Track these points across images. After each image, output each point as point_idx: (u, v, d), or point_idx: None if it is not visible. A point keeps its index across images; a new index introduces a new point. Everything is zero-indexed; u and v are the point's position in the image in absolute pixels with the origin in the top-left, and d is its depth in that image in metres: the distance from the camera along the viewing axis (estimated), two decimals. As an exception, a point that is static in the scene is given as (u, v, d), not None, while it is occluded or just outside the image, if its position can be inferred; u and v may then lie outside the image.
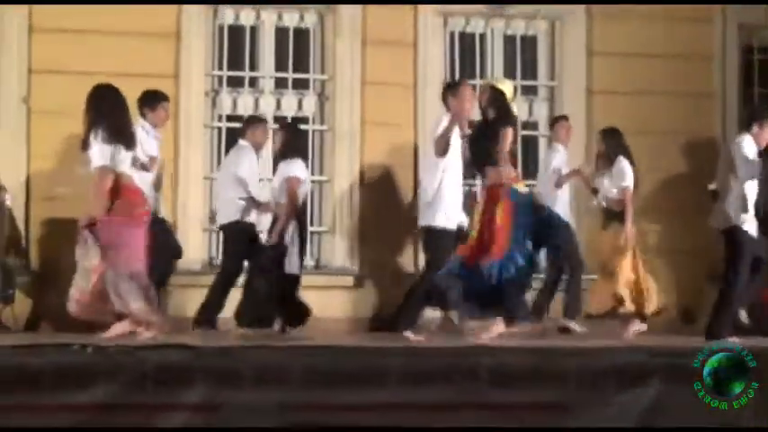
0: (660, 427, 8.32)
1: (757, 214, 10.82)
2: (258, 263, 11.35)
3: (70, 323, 10.92)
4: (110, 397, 7.67)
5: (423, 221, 11.00)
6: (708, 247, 12.60)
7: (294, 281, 11.34)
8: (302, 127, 12.75)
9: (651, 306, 11.59)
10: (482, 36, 13.48)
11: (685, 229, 12.77)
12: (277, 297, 11.18)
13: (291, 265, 11.18)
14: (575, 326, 11.90)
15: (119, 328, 9.47)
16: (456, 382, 8.12)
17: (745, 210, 10.77)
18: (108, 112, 9.52)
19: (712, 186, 11.38)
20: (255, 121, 11.94)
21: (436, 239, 10.82)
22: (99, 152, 9.37)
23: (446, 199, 10.78)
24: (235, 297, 11.45)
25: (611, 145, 11.85)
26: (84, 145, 9.47)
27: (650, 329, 11.66)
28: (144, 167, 9.86)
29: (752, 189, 10.73)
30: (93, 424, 7.61)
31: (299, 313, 11.31)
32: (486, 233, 10.03)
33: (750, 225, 10.77)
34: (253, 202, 11.39)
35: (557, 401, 8.18)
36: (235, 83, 13.05)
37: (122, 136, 9.50)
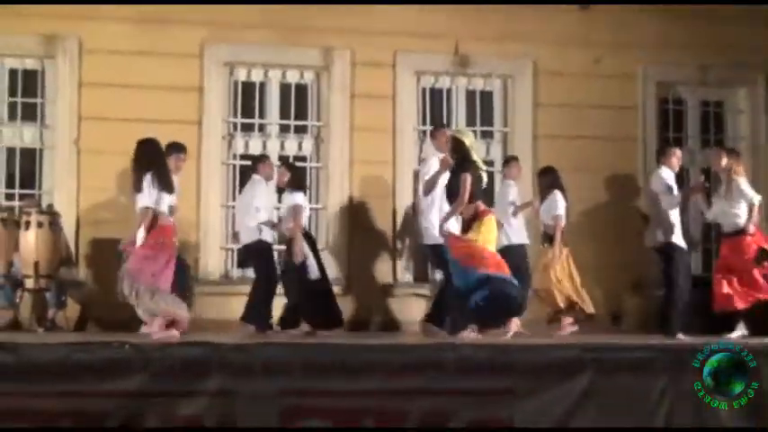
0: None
1: (684, 233, 10.94)
2: (284, 276, 11.36)
3: (111, 325, 11.00)
4: (143, 384, 7.68)
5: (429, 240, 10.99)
6: (630, 262, 12.68)
7: (319, 285, 11.29)
8: (301, 164, 12.80)
9: (587, 310, 11.67)
10: (448, 91, 13.48)
11: (613, 247, 12.81)
12: (304, 303, 11.18)
13: (312, 272, 11.23)
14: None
15: (159, 333, 9.46)
16: (427, 371, 8.14)
17: (672, 228, 10.85)
18: (155, 163, 9.64)
19: (644, 211, 11.50)
20: (264, 158, 11.97)
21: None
22: (147, 195, 9.49)
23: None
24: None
25: (547, 181, 11.92)
26: (137, 187, 9.58)
27: (590, 329, 11.70)
28: (171, 211, 9.90)
29: (676, 212, 10.83)
30: (129, 407, 7.64)
31: (328, 318, 11.28)
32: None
33: (679, 240, 10.85)
34: (269, 224, 11.40)
35: (508, 388, 8.20)
36: (247, 128, 13.05)
37: (165, 183, 9.62)
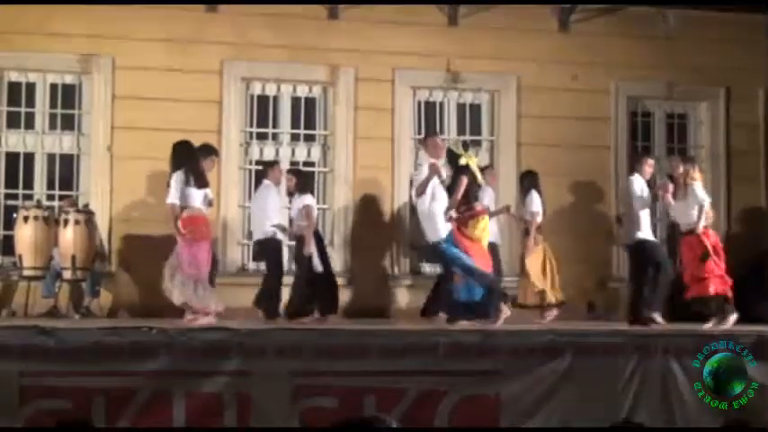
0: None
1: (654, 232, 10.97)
2: (296, 269, 11.29)
3: (140, 311, 10.97)
4: (169, 365, 7.67)
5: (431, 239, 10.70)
6: (600, 258, 12.67)
7: (324, 278, 11.24)
8: (309, 169, 12.79)
9: (557, 298, 11.63)
10: (441, 104, 13.42)
11: (586, 244, 12.79)
12: (312, 292, 11.13)
13: (317, 266, 11.16)
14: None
15: (203, 321, 9.44)
16: (422, 354, 8.12)
17: (643, 227, 10.86)
18: (185, 161, 9.66)
19: (619, 214, 11.49)
20: (273, 164, 11.93)
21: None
22: (174, 191, 9.52)
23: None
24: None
25: (526, 183, 11.94)
26: (168, 184, 9.62)
27: (564, 316, 11.66)
28: (210, 204, 9.94)
29: (646, 214, 10.83)
30: (156, 385, 7.61)
31: (331, 304, 11.27)
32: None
33: (649, 235, 10.86)
34: (278, 227, 11.34)
35: (494, 369, 8.18)
36: (261, 137, 12.99)
37: (195, 179, 9.63)
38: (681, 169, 11.12)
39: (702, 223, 10.73)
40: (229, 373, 7.74)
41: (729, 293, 10.67)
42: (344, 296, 12.53)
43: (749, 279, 12.20)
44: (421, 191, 10.57)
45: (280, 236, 11.40)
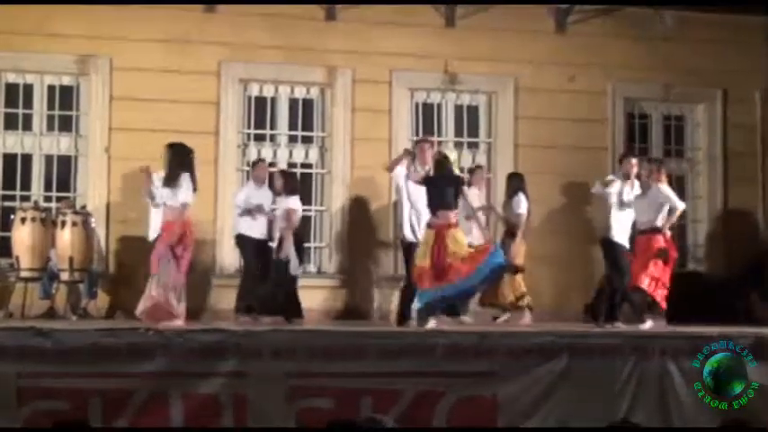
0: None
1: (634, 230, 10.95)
2: (268, 269, 11.26)
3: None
4: (166, 366, 7.67)
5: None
6: (598, 260, 12.65)
7: (292, 281, 11.14)
8: (307, 171, 12.83)
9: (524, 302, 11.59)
10: (438, 105, 13.43)
11: (585, 247, 12.78)
12: (283, 294, 11.02)
13: (293, 269, 11.12)
14: (466, 318, 11.48)
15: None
16: (418, 355, 8.12)
17: (611, 227, 10.80)
18: (188, 165, 9.66)
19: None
20: (257, 162, 12.02)
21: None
22: (184, 192, 9.53)
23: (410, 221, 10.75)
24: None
25: (513, 184, 11.90)
26: (173, 184, 9.61)
27: (558, 318, 11.66)
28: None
29: (621, 214, 10.76)
30: (153, 386, 7.61)
31: (296, 309, 11.05)
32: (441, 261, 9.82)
33: (618, 237, 10.77)
34: (248, 213, 11.36)
35: (491, 370, 8.18)
36: (259, 138, 12.99)
37: (195, 183, 9.67)
38: (645, 172, 11.16)
39: (664, 223, 10.83)
40: (226, 375, 7.74)
41: (658, 299, 10.77)
42: (341, 297, 12.57)
43: (749, 279, 12.24)
44: (390, 167, 10.99)
45: (248, 231, 11.37)
